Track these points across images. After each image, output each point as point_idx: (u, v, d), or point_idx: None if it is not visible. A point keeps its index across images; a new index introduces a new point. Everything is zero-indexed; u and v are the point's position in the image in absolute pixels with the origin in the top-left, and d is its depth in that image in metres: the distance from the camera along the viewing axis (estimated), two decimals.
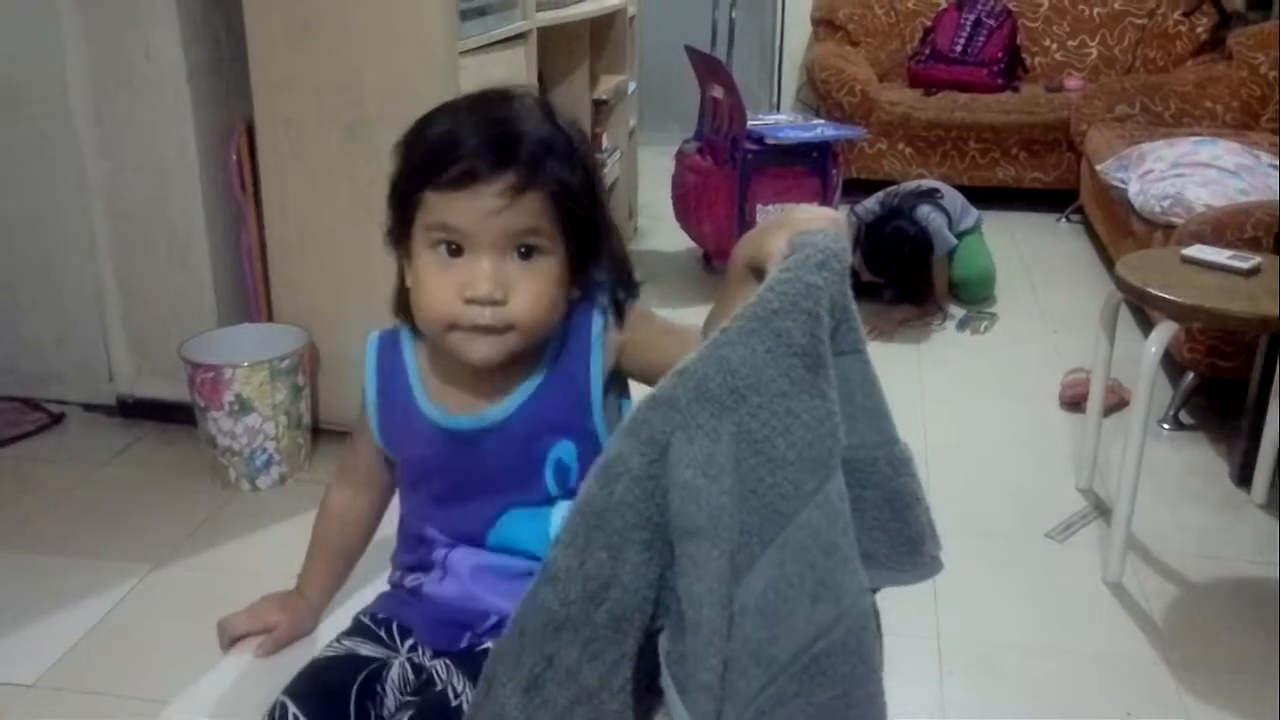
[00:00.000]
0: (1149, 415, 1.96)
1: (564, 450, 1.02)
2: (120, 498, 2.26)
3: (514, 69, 2.72)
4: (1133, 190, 3.04)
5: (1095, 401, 2.31)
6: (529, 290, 0.95)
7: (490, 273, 0.93)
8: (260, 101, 2.30)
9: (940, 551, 1.01)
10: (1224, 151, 3.04)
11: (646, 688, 0.84)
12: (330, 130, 2.31)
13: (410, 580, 1.09)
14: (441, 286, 0.94)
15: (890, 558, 1.01)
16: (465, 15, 2.37)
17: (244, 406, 2.16)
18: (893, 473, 1.00)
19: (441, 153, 0.92)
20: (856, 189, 3.80)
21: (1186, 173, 2.94)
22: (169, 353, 2.29)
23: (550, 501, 1.03)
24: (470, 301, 0.93)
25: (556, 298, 0.97)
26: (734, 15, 3.43)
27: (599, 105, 3.76)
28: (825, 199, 3.49)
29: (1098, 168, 3.45)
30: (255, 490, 2.25)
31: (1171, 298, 1.92)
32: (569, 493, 1.02)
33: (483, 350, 0.95)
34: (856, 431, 0.98)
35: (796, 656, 0.86)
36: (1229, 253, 2.07)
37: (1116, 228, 3.29)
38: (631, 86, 3.97)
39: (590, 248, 0.99)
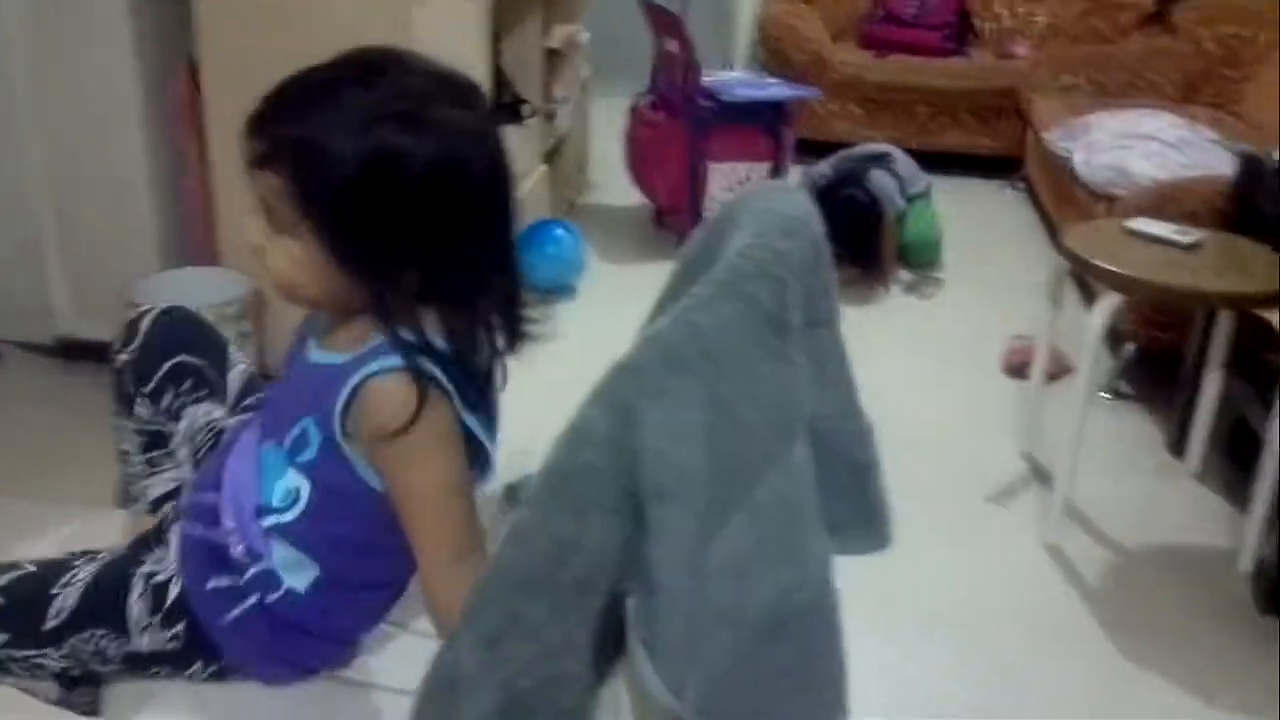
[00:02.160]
0: (1091, 385, 2.01)
1: (311, 425, 1.00)
2: (57, 438, 2.20)
3: (466, 16, 2.67)
4: (1077, 160, 3.08)
5: (1039, 369, 2.36)
6: (272, 253, 0.99)
7: (251, 221, 0.99)
8: (205, 36, 2.23)
9: (892, 524, 1.04)
10: (1167, 124, 3.09)
11: (606, 649, 0.85)
12: (279, 67, 2.24)
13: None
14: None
15: (851, 526, 1.02)
16: None
17: None
18: (858, 445, 1.02)
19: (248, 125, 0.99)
20: (808, 150, 3.80)
21: (1130, 145, 2.99)
22: (110, 294, 2.23)
23: (279, 452, 1.03)
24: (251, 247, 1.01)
25: (298, 278, 0.98)
26: None
27: (551, 54, 3.71)
28: (778, 158, 3.49)
29: (1043, 136, 3.49)
30: None
31: (1115, 269, 1.96)
32: (294, 460, 1.02)
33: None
34: (825, 402, 0.99)
35: (762, 617, 0.87)
36: (1172, 227, 2.11)
37: (1061, 197, 3.34)
38: (585, 36, 3.92)
39: (376, 272, 0.96)
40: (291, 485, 1.03)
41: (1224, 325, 2.21)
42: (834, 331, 0.98)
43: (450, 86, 0.98)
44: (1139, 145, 3.00)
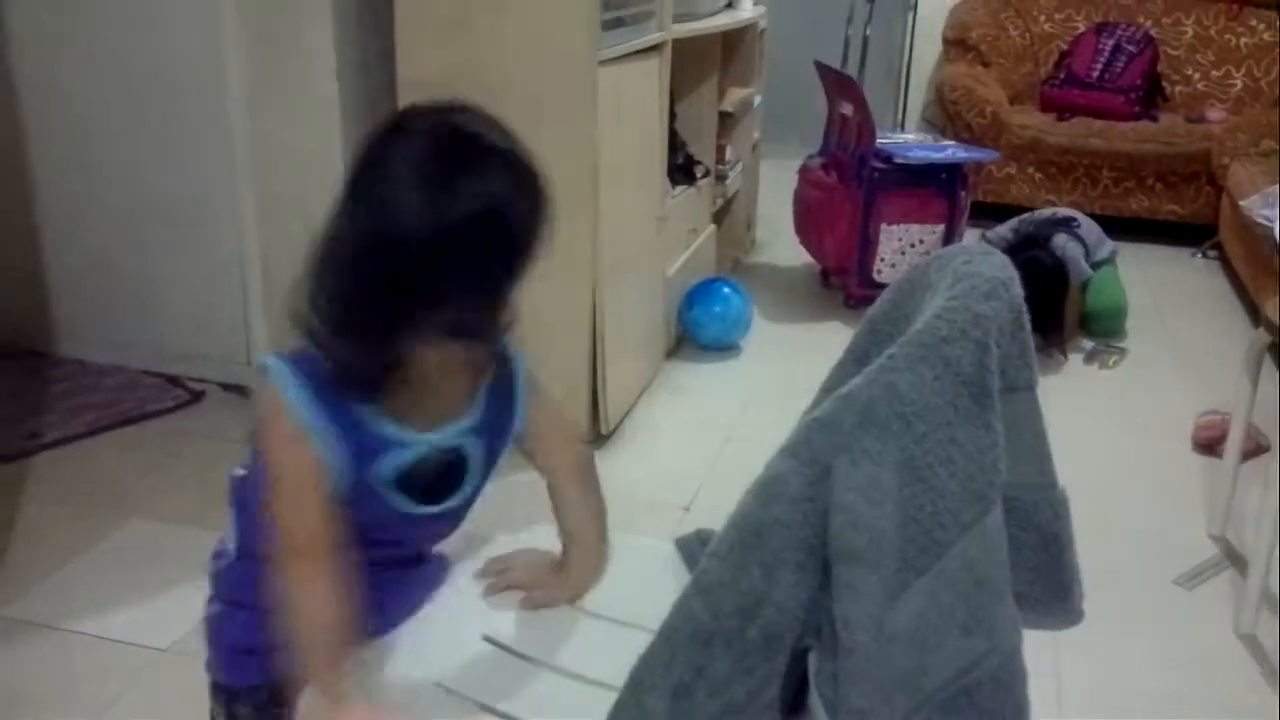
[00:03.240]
0: None
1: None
2: None
3: (647, 80, 2.75)
4: (1279, 229, 2.92)
5: (1234, 445, 2.23)
6: None
7: None
8: (405, 101, 2.37)
9: (1083, 600, 1.00)
10: None
11: (791, 706, 0.84)
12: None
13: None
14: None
15: (1041, 600, 0.99)
16: (605, 25, 2.40)
17: None
18: (1052, 516, 0.99)
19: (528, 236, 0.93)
20: (983, 214, 3.73)
21: None
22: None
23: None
24: None
25: None
26: (868, 33, 3.41)
27: (724, 117, 3.77)
28: (952, 221, 3.43)
29: (1241, 204, 3.33)
30: None
31: None
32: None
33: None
34: (1020, 471, 0.97)
35: (944, 687, 0.85)
36: None
37: (1259, 266, 3.17)
38: (758, 100, 3.97)
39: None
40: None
41: None
42: (1031, 397, 0.96)
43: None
44: None
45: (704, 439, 2.54)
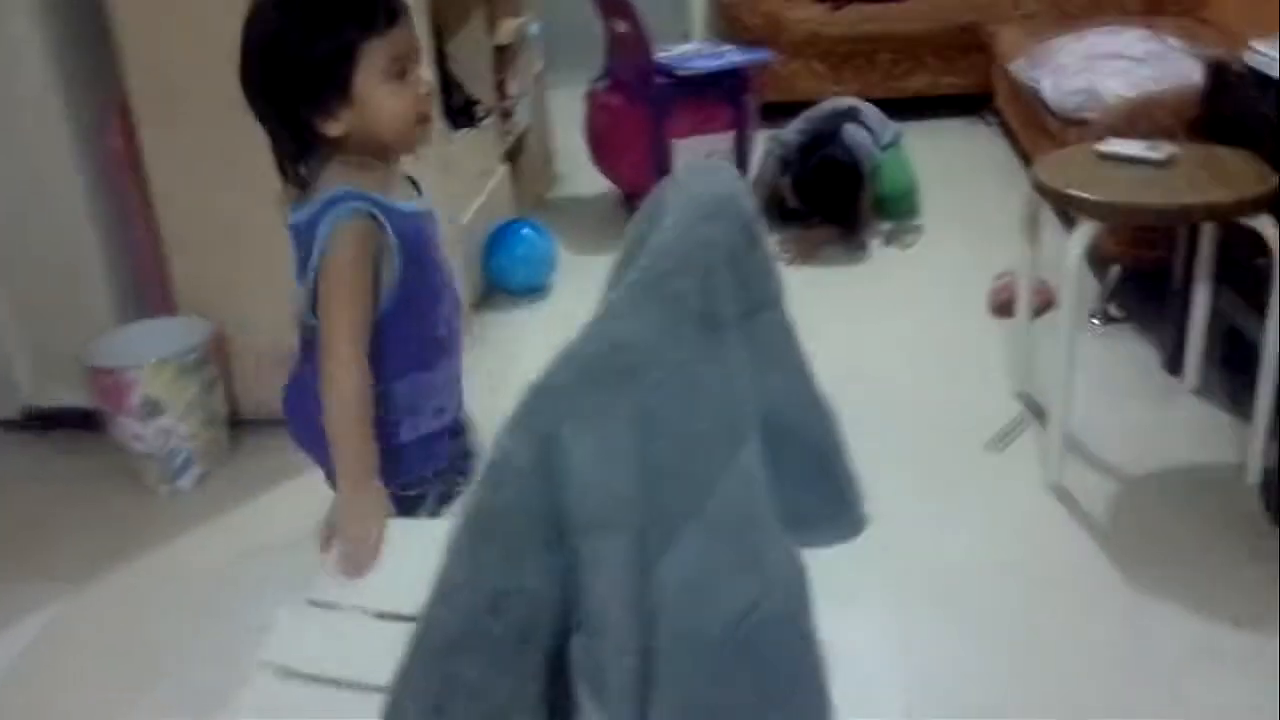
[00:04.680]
0: (1078, 315, 1.95)
1: None
2: (34, 513, 2.17)
3: None
4: (1045, 87, 3.01)
5: (1024, 305, 2.30)
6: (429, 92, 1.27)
7: (422, 77, 1.25)
8: (134, 79, 2.17)
9: (865, 508, 0.98)
10: (1133, 40, 3.02)
11: (561, 701, 0.79)
12: (216, 103, 2.18)
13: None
14: (407, 102, 1.21)
15: (819, 517, 0.97)
16: None
17: (153, 408, 2.07)
18: (821, 431, 0.96)
19: (366, 6, 1.17)
20: (776, 112, 3.72)
21: (1097, 65, 2.91)
22: (70, 358, 2.19)
23: None
24: (428, 96, 1.25)
25: None
26: None
27: (501, 50, 3.64)
28: (742, 126, 3.42)
29: (1009, 68, 3.42)
30: (175, 493, 2.16)
31: (1090, 196, 1.90)
32: None
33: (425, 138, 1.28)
34: (780, 391, 0.94)
35: (728, 634, 0.82)
36: (1143, 144, 2.04)
37: (1033, 127, 3.27)
38: (534, 28, 3.85)
39: None
40: None
41: (1209, 237, 2.15)
42: (779, 314, 0.93)
43: None
44: (1106, 65, 2.92)
45: (516, 392, 2.47)
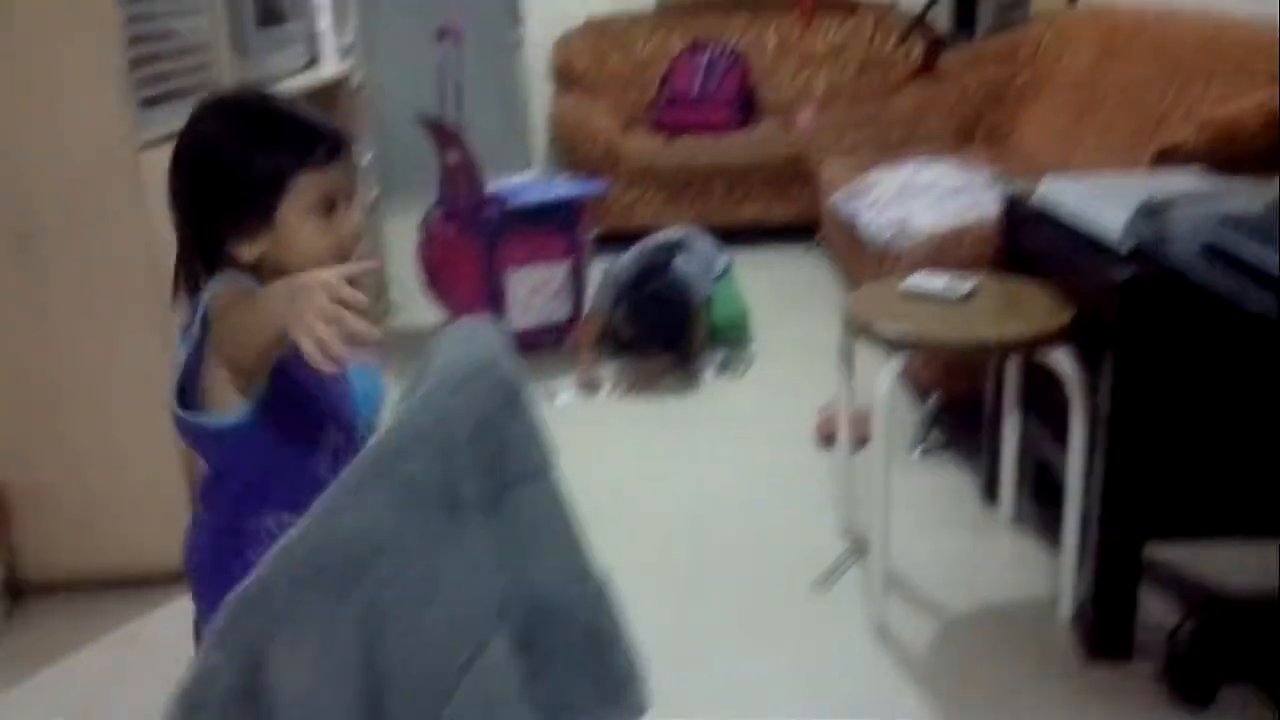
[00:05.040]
0: (891, 448, 1.97)
1: None
2: None
3: None
4: (862, 220, 3.12)
5: (843, 439, 2.32)
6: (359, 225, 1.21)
7: (353, 215, 1.19)
8: None
9: (647, 686, 0.93)
10: (943, 173, 3.16)
11: None
12: None
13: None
14: (329, 241, 1.14)
15: (593, 705, 0.91)
16: (148, 103, 2.17)
17: None
18: (591, 610, 0.91)
19: (308, 137, 1.14)
20: (616, 240, 3.76)
21: (910, 198, 3.04)
22: None
23: None
24: (354, 239, 1.17)
25: None
26: (460, 79, 3.37)
27: None
28: (576, 257, 3.44)
29: (828, 201, 3.54)
30: None
31: (894, 333, 1.93)
32: None
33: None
34: (546, 568, 0.88)
35: None
36: (945, 279, 2.11)
37: (855, 258, 3.38)
38: (368, 156, 3.81)
39: None
40: None
41: (1014, 369, 2.22)
42: (545, 485, 0.88)
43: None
44: (919, 197, 3.05)
45: None
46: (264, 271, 1.14)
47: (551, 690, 0.88)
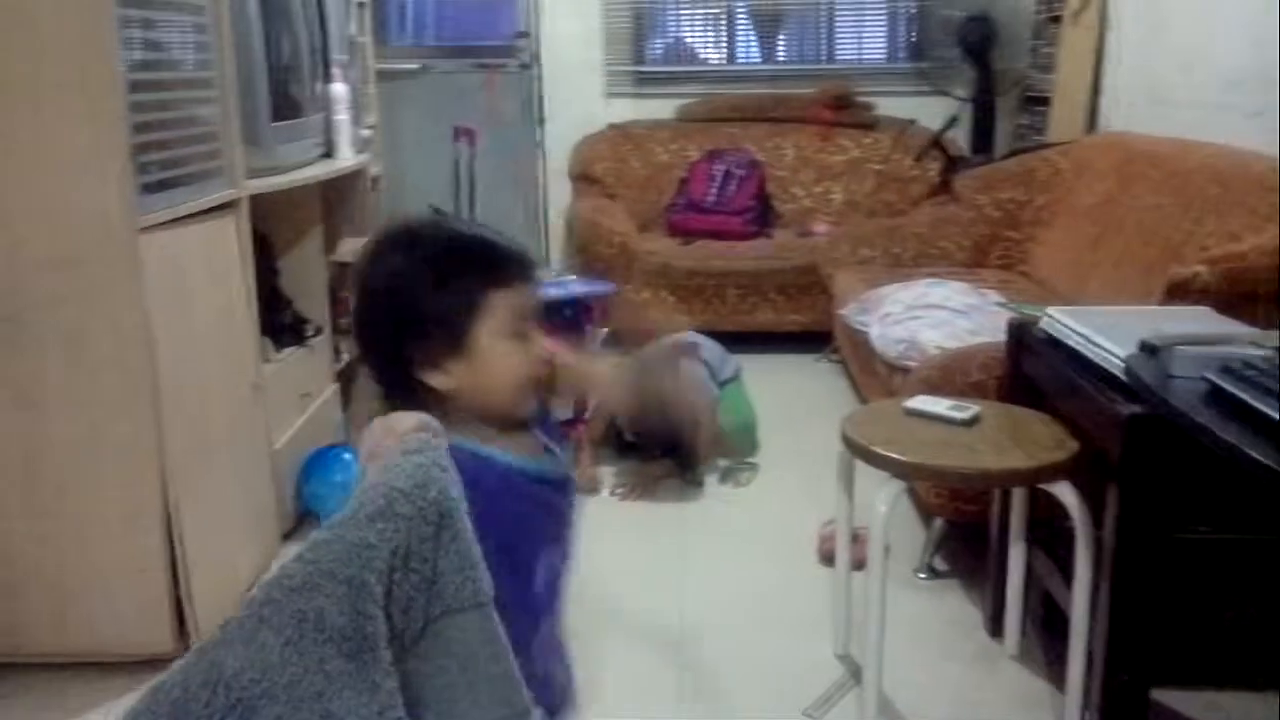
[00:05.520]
0: (885, 575, 1.88)
1: None
2: None
3: (220, 240, 2.52)
4: (873, 334, 3.07)
5: (841, 562, 2.23)
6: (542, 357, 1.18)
7: (538, 342, 1.16)
8: None
9: None
10: (953, 292, 3.13)
11: None
12: None
13: None
14: (522, 363, 1.13)
15: None
16: (149, 188, 2.17)
17: None
18: None
19: (497, 258, 1.14)
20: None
21: (920, 315, 3.00)
22: None
23: None
24: (546, 360, 1.16)
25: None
26: (474, 173, 3.39)
27: (343, 267, 3.59)
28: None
29: (840, 312, 3.50)
30: None
31: (892, 455, 1.87)
32: None
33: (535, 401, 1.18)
34: (478, 703, 0.81)
35: None
36: (949, 403, 2.05)
37: (864, 370, 3.33)
38: None
39: None
40: None
41: (1020, 497, 2.14)
42: (480, 615, 0.81)
43: None
44: (928, 315, 3.01)
45: None
46: (461, 399, 1.13)
47: None
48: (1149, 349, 1.57)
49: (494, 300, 1.11)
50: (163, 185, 2.26)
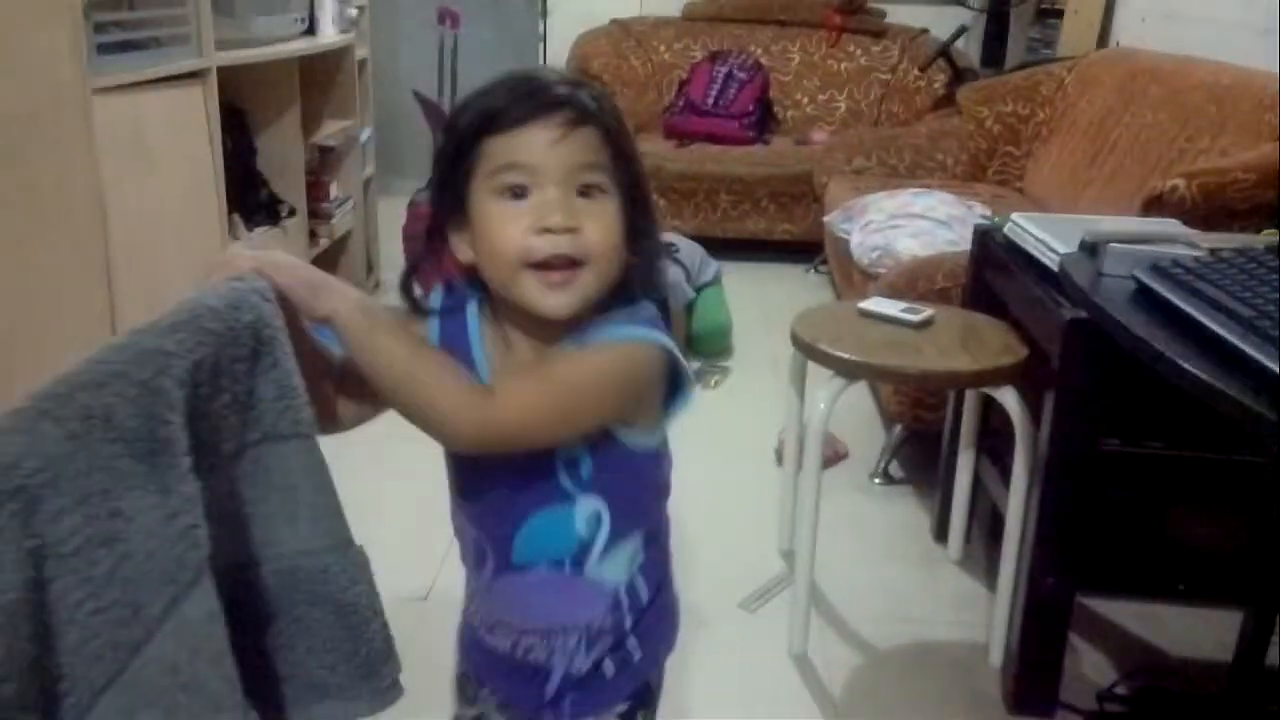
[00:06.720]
0: (820, 474, 1.87)
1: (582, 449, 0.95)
2: None
3: (186, 110, 2.48)
4: (854, 241, 3.02)
5: (789, 459, 2.22)
6: (599, 224, 0.90)
7: (560, 200, 0.88)
8: None
9: (400, 674, 0.84)
10: (938, 203, 3.06)
11: None
12: None
13: (471, 614, 1.06)
14: (511, 227, 0.89)
15: (344, 685, 0.83)
16: (105, 49, 2.13)
17: None
18: (346, 582, 0.82)
19: (500, 101, 0.89)
20: None
21: (900, 224, 2.94)
22: None
23: (568, 498, 0.95)
24: (544, 231, 0.88)
25: (621, 244, 0.92)
26: (456, 59, 3.32)
27: (325, 151, 3.55)
28: None
29: (825, 219, 3.45)
30: None
31: (836, 353, 1.84)
32: (584, 485, 0.95)
33: (557, 300, 0.90)
34: (298, 533, 0.80)
35: None
36: (903, 305, 2.01)
37: (844, 278, 3.28)
38: (365, 133, 3.77)
39: (643, 209, 0.95)
40: (587, 515, 0.97)
41: (971, 405, 2.11)
42: (304, 445, 0.80)
43: None
44: (909, 224, 2.95)
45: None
46: (486, 280, 0.94)
47: (296, 664, 0.80)
48: (1088, 248, 1.52)
49: (485, 148, 0.89)
50: (123, 47, 2.22)
